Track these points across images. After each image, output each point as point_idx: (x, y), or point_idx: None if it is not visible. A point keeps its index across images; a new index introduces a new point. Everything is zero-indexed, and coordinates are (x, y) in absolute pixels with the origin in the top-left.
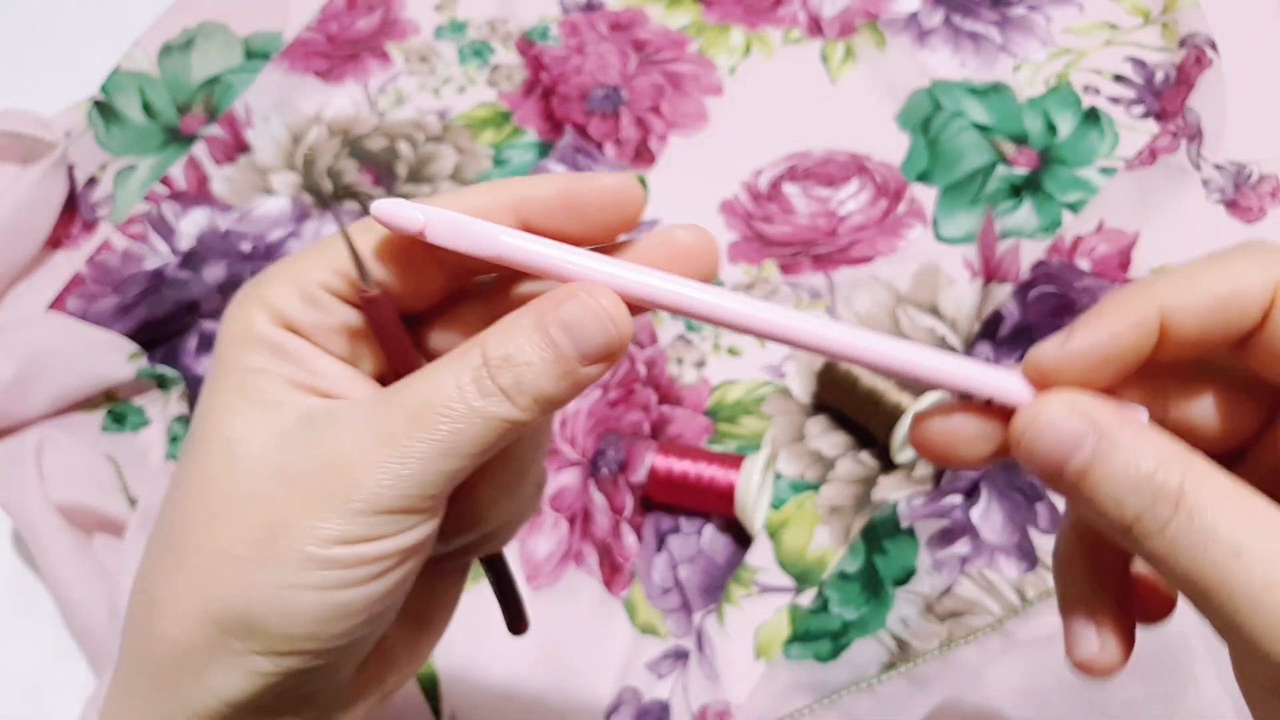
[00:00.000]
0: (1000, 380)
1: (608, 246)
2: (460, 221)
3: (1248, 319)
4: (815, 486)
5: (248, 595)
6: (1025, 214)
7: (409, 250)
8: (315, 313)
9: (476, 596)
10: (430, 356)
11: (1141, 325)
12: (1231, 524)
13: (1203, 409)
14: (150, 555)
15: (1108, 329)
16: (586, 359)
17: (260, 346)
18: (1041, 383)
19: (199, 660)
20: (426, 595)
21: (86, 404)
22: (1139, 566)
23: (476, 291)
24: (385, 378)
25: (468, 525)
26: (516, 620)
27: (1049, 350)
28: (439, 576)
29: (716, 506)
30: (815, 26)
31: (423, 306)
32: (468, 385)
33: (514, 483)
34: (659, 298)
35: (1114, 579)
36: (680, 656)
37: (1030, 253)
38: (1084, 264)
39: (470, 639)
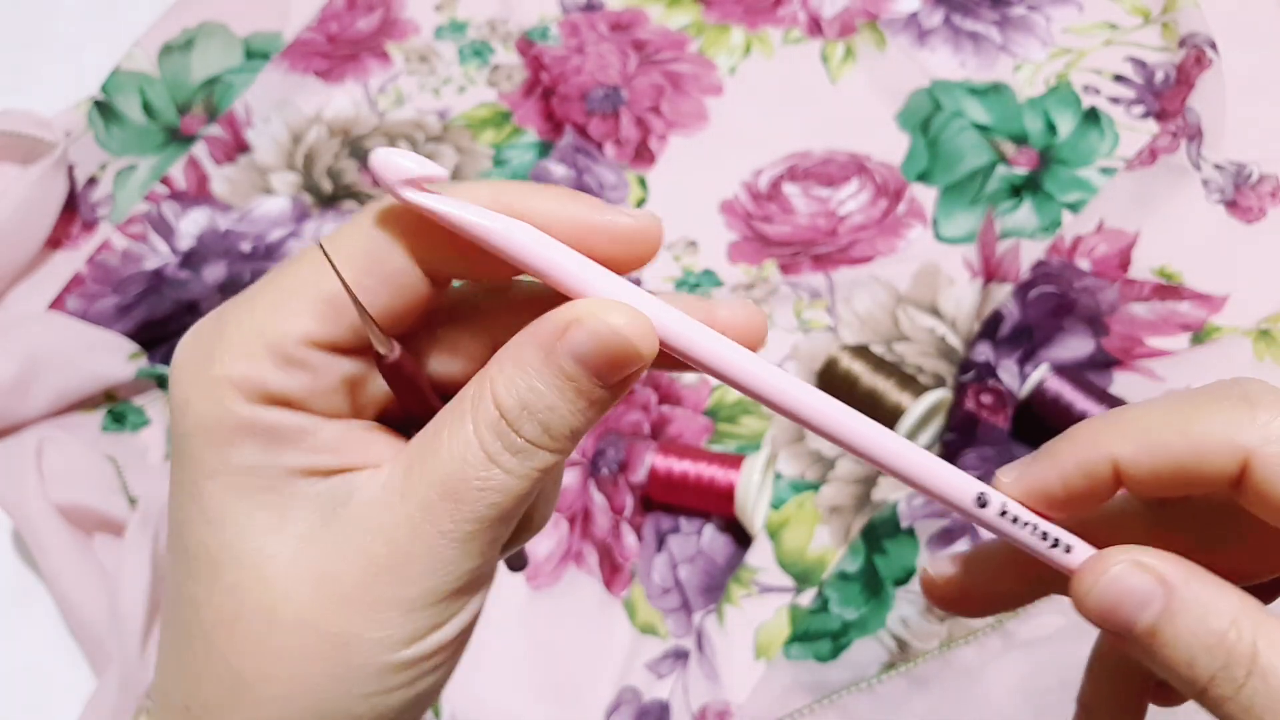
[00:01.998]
0: (1058, 533)
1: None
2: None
3: (1213, 482)
4: (815, 486)
5: (327, 712)
6: (1025, 214)
7: (386, 260)
8: (302, 375)
9: None
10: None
11: (1091, 474)
12: None
13: (1228, 539)
14: (195, 684)
15: (1058, 471)
16: (609, 383)
17: (244, 437)
18: None
19: None
20: None
21: (86, 404)
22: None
23: (460, 306)
24: (395, 412)
25: (516, 543)
26: (515, 557)
27: (1008, 481)
28: None
29: (716, 506)
30: (815, 26)
31: (406, 326)
32: (493, 446)
33: (555, 488)
34: (684, 346)
35: (1139, 698)
36: (680, 656)
37: (1030, 253)
38: (1084, 264)
39: (471, 639)
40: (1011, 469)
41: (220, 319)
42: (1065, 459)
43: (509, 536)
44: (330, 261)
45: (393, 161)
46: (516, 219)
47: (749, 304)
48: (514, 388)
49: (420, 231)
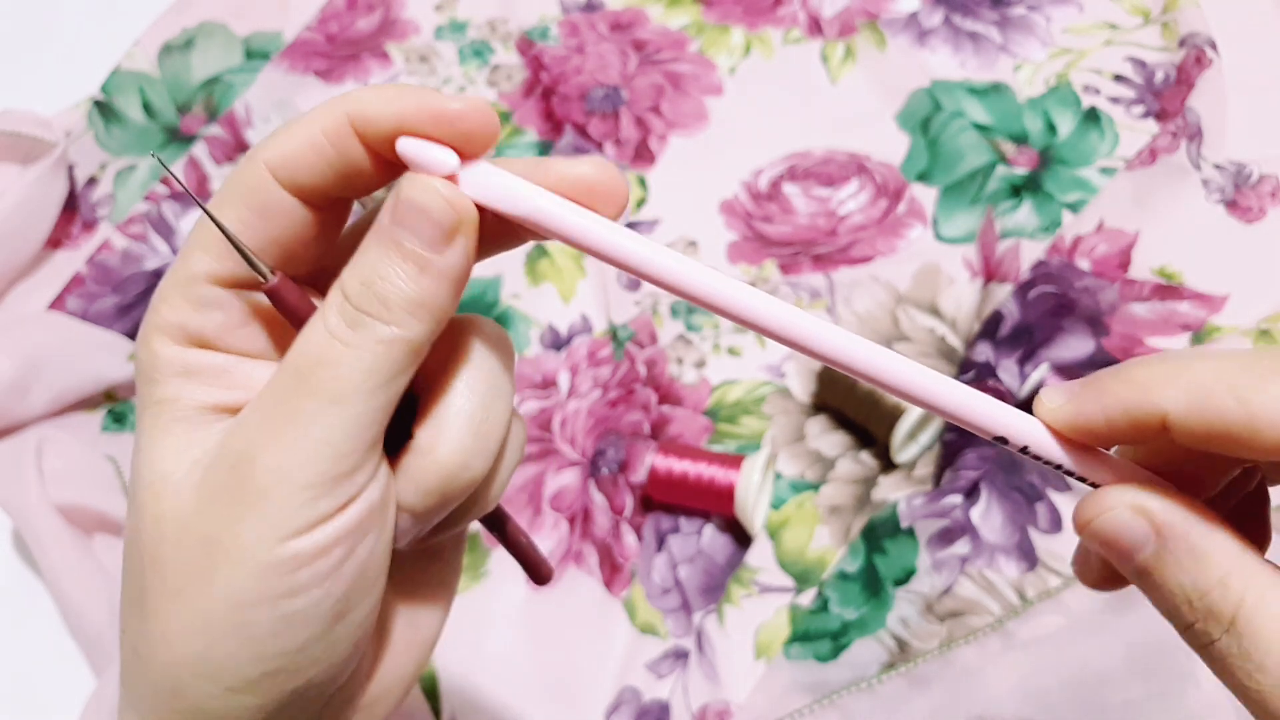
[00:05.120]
0: (1082, 473)
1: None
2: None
3: (1265, 455)
4: (815, 486)
5: (205, 630)
6: (1025, 214)
7: (262, 192)
8: (214, 313)
9: (476, 596)
10: None
11: (1138, 422)
12: None
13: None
14: (123, 605)
15: (1103, 410)
16: (435, 245)
17: (167, 374)
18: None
19: (190, 712)
20: (421, 579)
21: (86, 404)
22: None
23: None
24: None
25: (441, 481)
26: (538, 571)
27: (1051, 406)
28: (431, 558)
29: (716, 506)
30: (815, 26)
31: (310, 263)
32: (335, 324)
33: (476, 416)
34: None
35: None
36: (680, 656)
37: (1030, 252)
38: (1084, 264)
39: (470, 639)
40: (1058, 393)
41: (161, 283)
42: (1112, 400)
43: (457, 513)
44: (186, 188)
45: (418, 152)
46: (544, 193)
47: (600, 160)
48: (355, 269)
49: (290, 158)
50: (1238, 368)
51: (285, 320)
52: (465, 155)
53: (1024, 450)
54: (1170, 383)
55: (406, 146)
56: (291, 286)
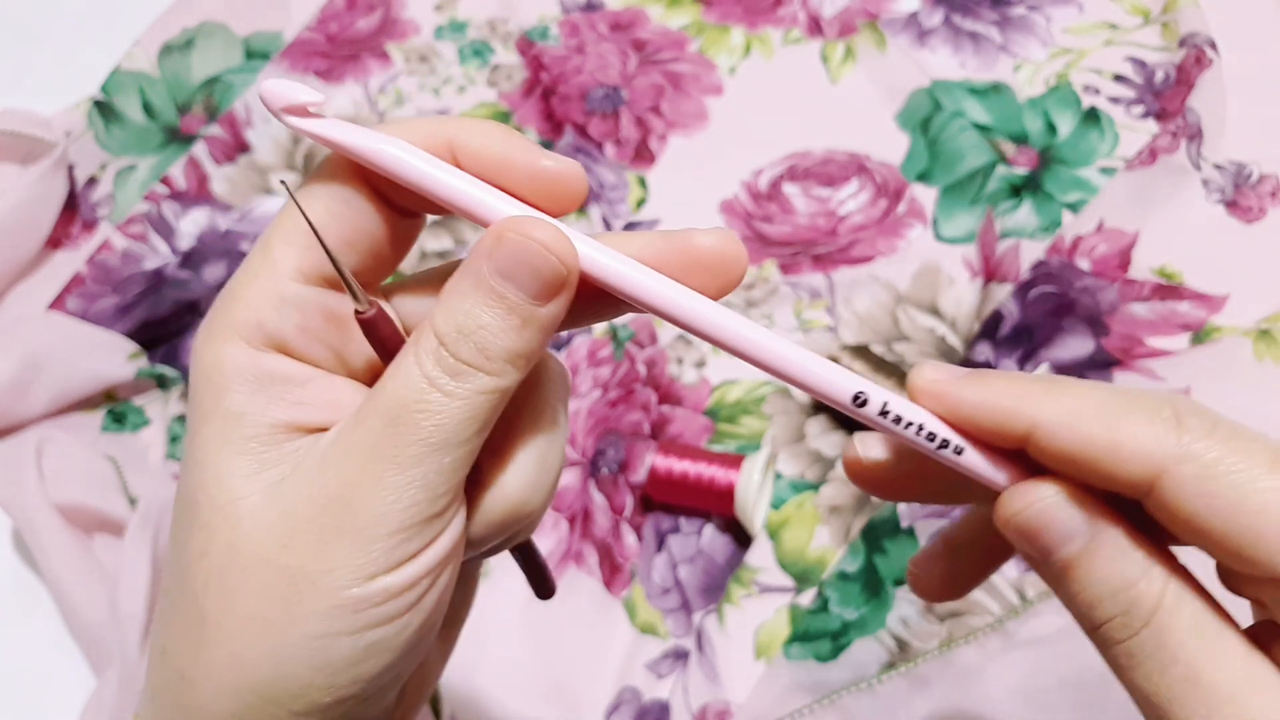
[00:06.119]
0: (946, 434)
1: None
2: (359, 134)
3: (1121, 484)
4: (815, 486)
5: (281, 657)
6: (1025, 214)
7: (348, 201)
8: (292, 313)
9: (477, 596)
10: None
11: (1003, 426)
12: (1196, 651)
13: None
14: (168, 625)
15: (974, 405)
16: (539, 299)
17: (239, 383)
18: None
19: None
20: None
21: (86, 404)
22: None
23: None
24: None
25: (506, 515)
26: (543, 586)
27: (928, 378)
28: (460, 580)
29: (716, 506)
30: (815, 26)
31: (385, 272)
32: (433, 370)
33: (542, 454)
34: (607, 276)
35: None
36: (680, 656)
37: (1030, 253)
38: (1084, 264)
39: (470, 639)
40: (940, 369)
41: (235, 279)
42: (991, 394)
43: (498, 524)
44: (295, 199)
45: (277, 90)
46: (394, 138)
47: (724, 231)
48: (450, 314)
49: (364, 171)
50: (1111, 398)
51: (366, 338)
52: (551, 212)
53: (883, 414)
54: (1044, 399)
55: (271, 88)
56: (387, 319)
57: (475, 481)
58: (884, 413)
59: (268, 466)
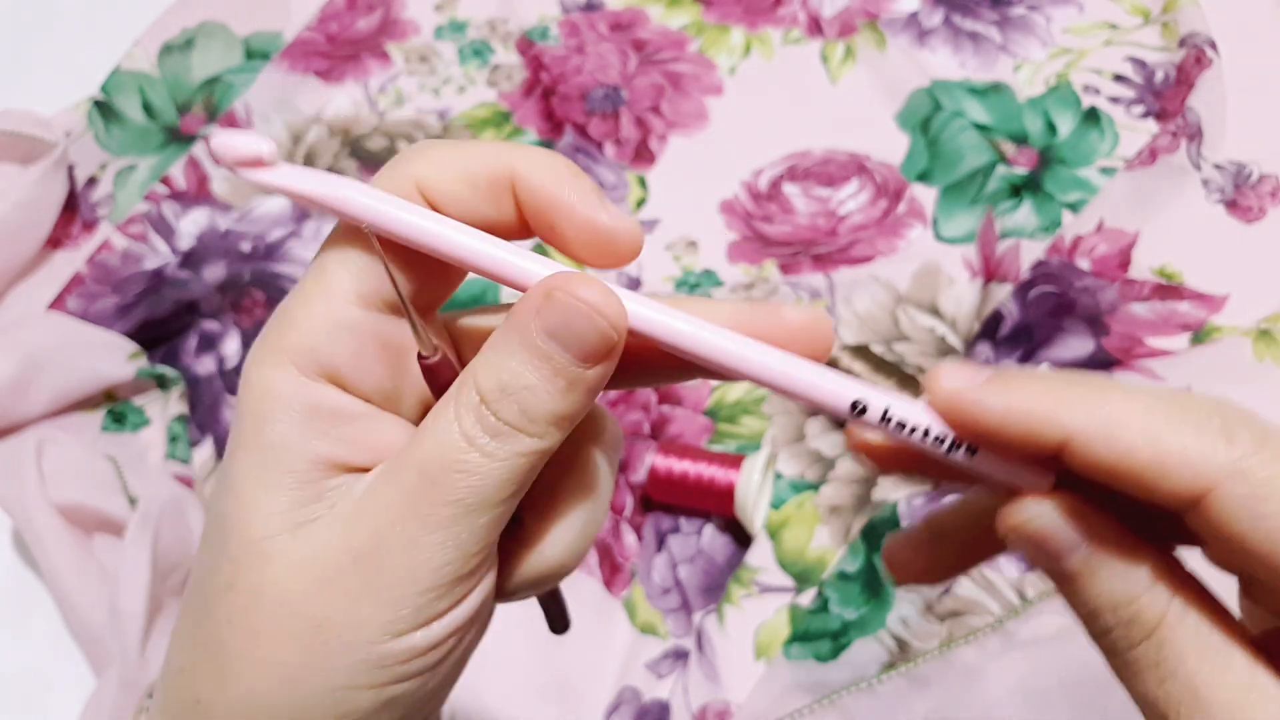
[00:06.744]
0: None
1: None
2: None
3: (1165, 499)
4: (815, 486)
5: (301, 704)
6: (1025, 214)
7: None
8: (346, 340)
9: None
10: None
11: (1034, 437)
12: (1198, 665)
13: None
14: (188, 647)
15: (1000, 414)
16: (587, 361)
17: (285, 413)
18: (946, 407)
19: None
20: None
21: (86, 404)
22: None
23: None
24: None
25: (544, 575)
26: (559, 622)
27: (946, 386)
28: None
29: (716, 506)
30: (815, 26)
31: (443, 297)
32: (472, 429)
33: (588, 518)
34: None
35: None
36: (680, 656)
37: (1030, 253)
38: (1084, 264)
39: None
40: (958, 374)
41: (291, 302)
42: (1020, 401)
43: (532, 576)
44: (368, 229)
45: (228, 143)
46: (355, 183)
47: (815, 311)
48: (493, 371)
49: (441, 181)
50: (1153, 407)
51: (427, 382)
52: (599, 266)
53: (885, 420)
54: (1083, 406)
55: (222, 140)
56: (450, 365)
57: (516, 537)
58: (885, 419)
59: (303, 504)
